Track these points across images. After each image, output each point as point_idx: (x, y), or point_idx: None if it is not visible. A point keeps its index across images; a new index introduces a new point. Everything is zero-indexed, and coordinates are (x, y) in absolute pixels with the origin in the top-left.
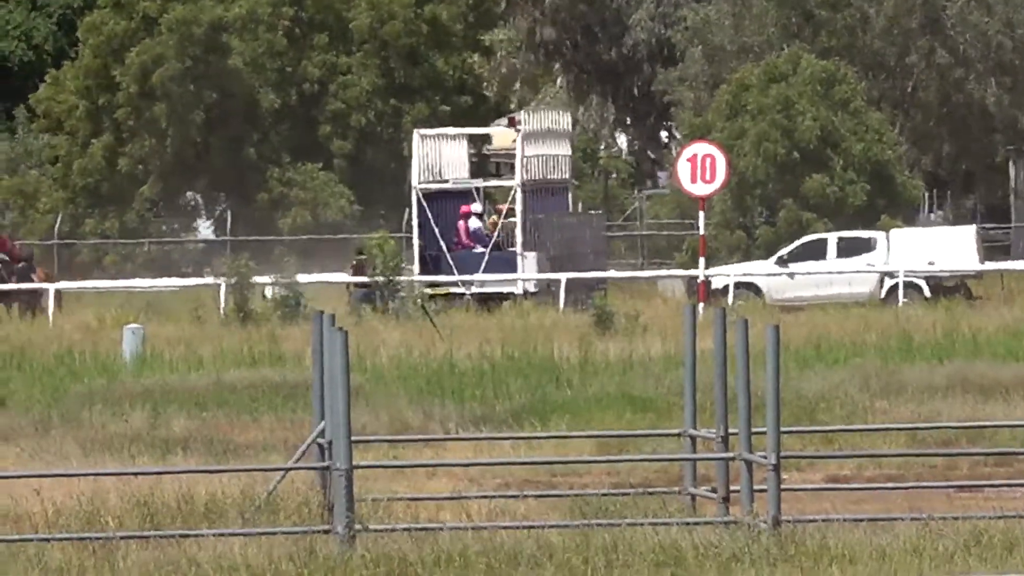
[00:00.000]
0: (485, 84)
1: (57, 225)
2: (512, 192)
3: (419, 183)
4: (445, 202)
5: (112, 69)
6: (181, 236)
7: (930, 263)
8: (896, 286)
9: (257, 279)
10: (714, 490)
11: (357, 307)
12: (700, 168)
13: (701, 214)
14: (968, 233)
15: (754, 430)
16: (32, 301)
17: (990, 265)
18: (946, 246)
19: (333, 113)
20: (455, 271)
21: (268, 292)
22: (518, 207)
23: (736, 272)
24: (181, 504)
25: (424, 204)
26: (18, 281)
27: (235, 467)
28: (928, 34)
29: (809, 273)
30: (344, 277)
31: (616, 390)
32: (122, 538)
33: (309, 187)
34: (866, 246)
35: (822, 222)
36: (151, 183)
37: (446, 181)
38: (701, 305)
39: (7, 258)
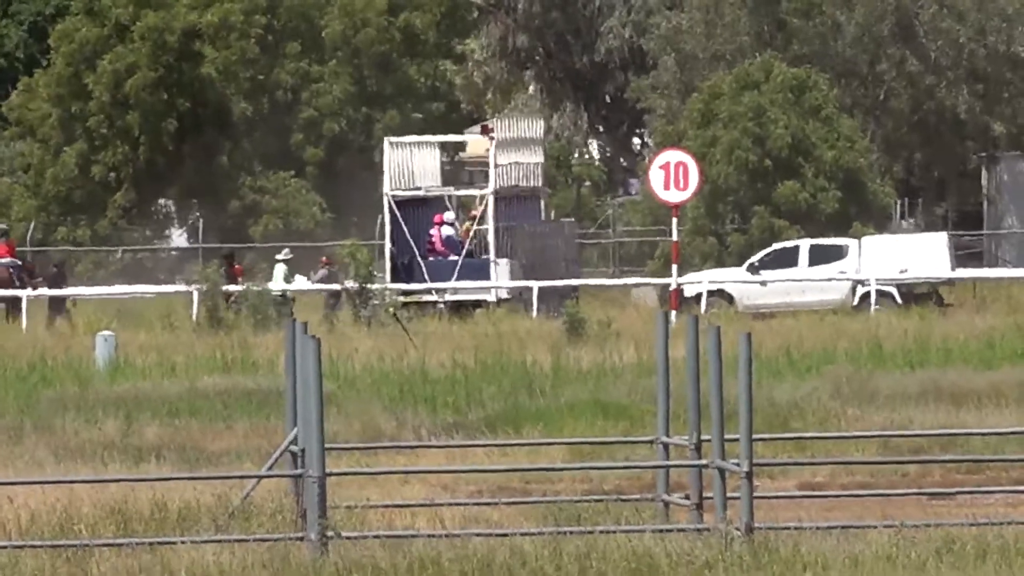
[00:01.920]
0: (458, 92)
1: (30, 233)
2: (485, 200)
3: (391, 191)
4: (417, 210)
5: (84, 77)
6: (154, 243)
7: (902, 270)
8: (868, 293)
9: (228, 287)
10: (687, 497)
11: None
12: (673, 175)
13: (674, 221)
14: (940, 240)
15: (727, 437)
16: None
17: (962, 272)
18: (918, 253)
19: (305, 121)
20: (427, 279)
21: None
22: (491, 215)
23: (708, 279)
24: (155, 511)
25: (396, 212)
26: (50, 287)
27: (208, 475)
28: (900, 41)
29: (781, 280)
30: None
31: (589, 397)
32: (96, 545)
33: (281, 195)
34: (838, 253)
35: (794, 229)
36: (124, 191)
37: (418, 189)
38: (673, 313)
39: (20, 263)
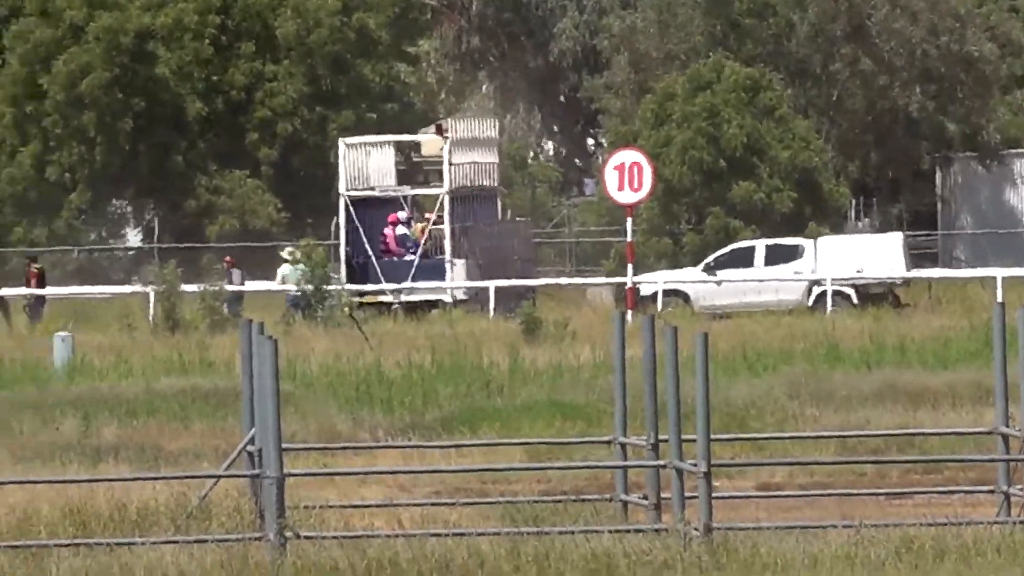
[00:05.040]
0: (412, 92)
1: None
2: (439, 199)
3: (346, 191)
4: (372, 210)
5: (39, 77)
6: (109, 244)
7: (857, 270)
8: (824, 293)
9: (185, 286)
10: (645, 497)
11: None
12: (627, 176)
13: (628, 221)
14: (895, 240)
15: (684, 437)
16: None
17: (917, 272)
18: (873, 253)
19: (260, 121)
20: (383, 279)
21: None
22: (446, 214)
23: (664, 279)
24: (113, 512)
25: (351, 211)
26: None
27: (167, 475)
28: (853, 41)
29: (737, 281)
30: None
31: (546, 398)
32: (54, 546)
33: (236, 195)
34: (793, 253)
35: (749, 229)
36: (79, 191)
37: (373, 189)
38: (629, 312)
39: None
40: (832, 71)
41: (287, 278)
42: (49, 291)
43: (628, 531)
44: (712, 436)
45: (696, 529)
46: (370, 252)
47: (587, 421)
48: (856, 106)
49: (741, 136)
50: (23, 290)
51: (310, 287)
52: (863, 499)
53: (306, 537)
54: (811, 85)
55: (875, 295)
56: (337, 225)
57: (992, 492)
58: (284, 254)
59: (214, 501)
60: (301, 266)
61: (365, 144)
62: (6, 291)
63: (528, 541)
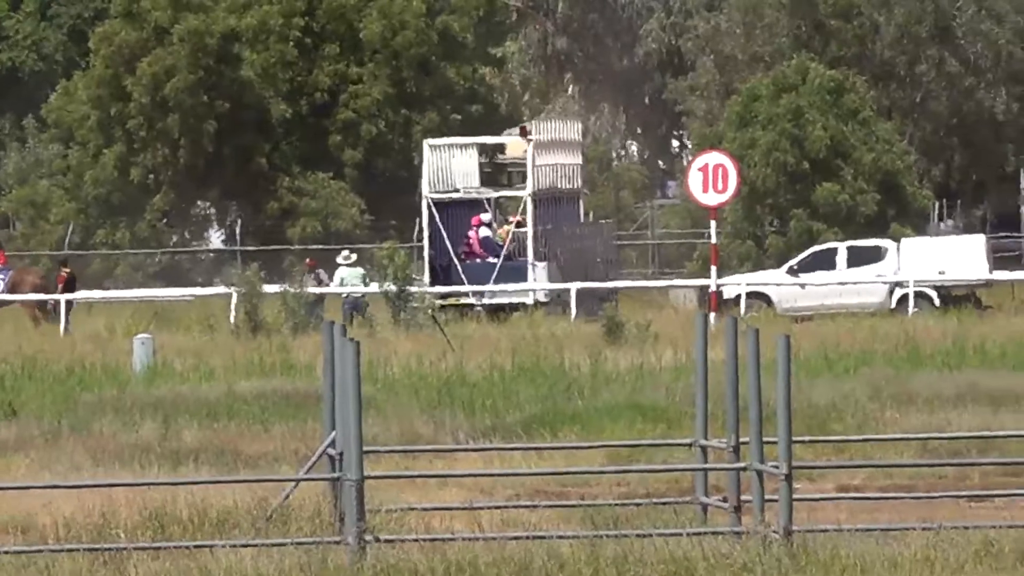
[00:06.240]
0: (496, 94)
1: (68, 236)
2: (523, 202)
3: (429, 193)
4: (456, 212)
5: (124, 79)
6: (192, 246)
7: (940, 272)
8: (906, 295)
9: (267, 288)
10: (725, 500)
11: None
12: (711, 178)
13: (712, 224)
14: (978, 242)
15: (765, 440)
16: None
17: (1000, 274)
18: (956, 255)
19: (344, 123)
20: (466, 281)
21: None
22: (529, 217)
23: (747, 282)
24: (193, 515)
25: (435, 214)
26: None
27: (246, 478)
28: (938, 43)
29: (819, 283)
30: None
31: (627, 400)
32: (134, 549)
33: (320, 196)
34: (876, 255)
35: (832, 231)
36: (162, 193)
37: (457, 191)
38: (712, 315)
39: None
40: (917, 73)
41: (345, 280)
42: (131, 293)
43: (708, 534)
44: (793, 438)
45: (776, 532)
46: (453, 254)
47: (668, 424)
48: (940, 108)
49: (825, 138)
50: (98, 293)
51: (364, 289)
52: (943, 501)
53: (386, 540)
54: (895, 87)
55: (958, 297)
56: (420, 227)
57: None
58: (339, 259)
59: (294, 504)
60: (359, 269)
61: (449, 146)
62: (63, 296)
63: (607, 544)
